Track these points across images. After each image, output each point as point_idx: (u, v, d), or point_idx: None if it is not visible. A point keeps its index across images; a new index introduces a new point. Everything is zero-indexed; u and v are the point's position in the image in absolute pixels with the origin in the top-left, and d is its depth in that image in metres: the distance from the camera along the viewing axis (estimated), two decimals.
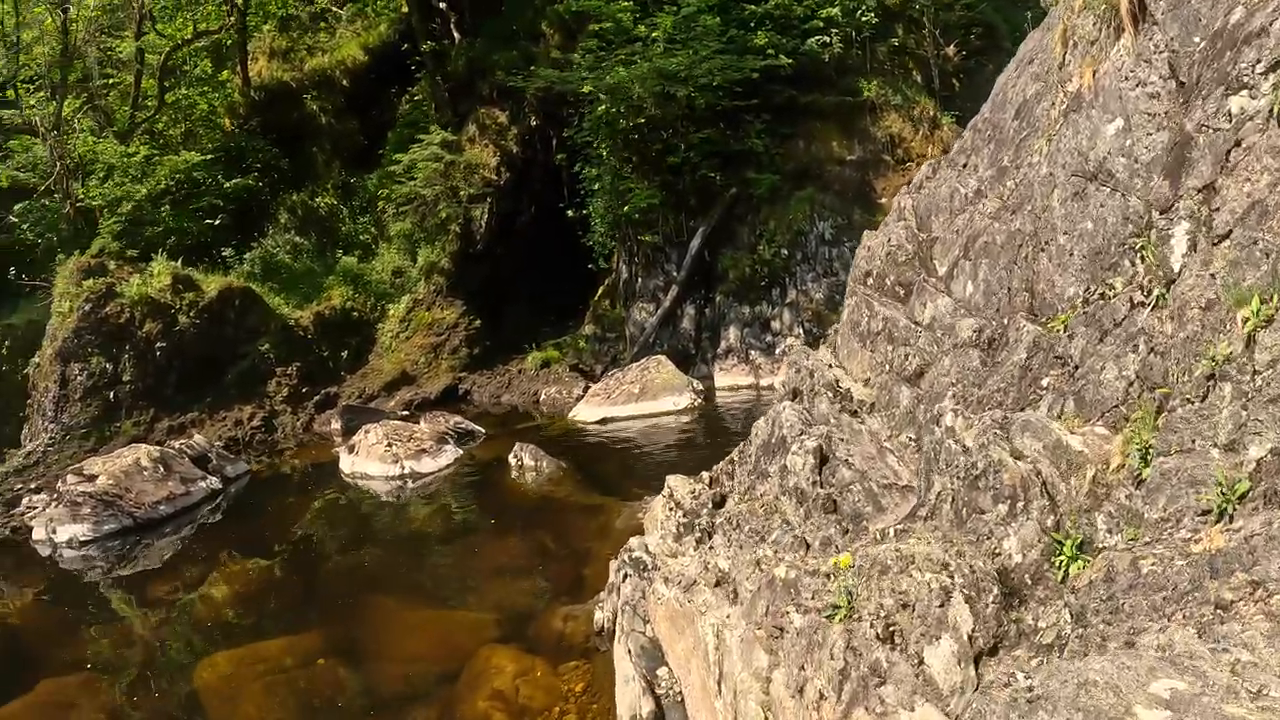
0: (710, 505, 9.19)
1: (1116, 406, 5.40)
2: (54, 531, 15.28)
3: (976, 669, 4.97)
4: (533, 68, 22.97)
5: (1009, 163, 7.87)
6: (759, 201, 22.07)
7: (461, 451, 17.37)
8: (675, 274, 22.40)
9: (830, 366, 9.28)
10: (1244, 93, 5.41)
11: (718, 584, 7.43)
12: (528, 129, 25.21)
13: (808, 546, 7.17)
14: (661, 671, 7.92)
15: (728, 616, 6.90)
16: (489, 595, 11.50)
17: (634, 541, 9.48)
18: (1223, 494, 4.39)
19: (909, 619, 5.24)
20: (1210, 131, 5.55)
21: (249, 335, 22.01)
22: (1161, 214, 5.80)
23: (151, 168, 24.45)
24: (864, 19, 22.64)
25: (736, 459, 9.38)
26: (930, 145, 22.25)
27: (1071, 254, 6.49)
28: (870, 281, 9.38)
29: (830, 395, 8.53)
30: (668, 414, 18.60)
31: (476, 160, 24.47)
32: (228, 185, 24.99)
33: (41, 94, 25.01)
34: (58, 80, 24.21)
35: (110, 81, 27.38)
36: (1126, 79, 6.38)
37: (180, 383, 20.68)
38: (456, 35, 26.16)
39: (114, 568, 14.51)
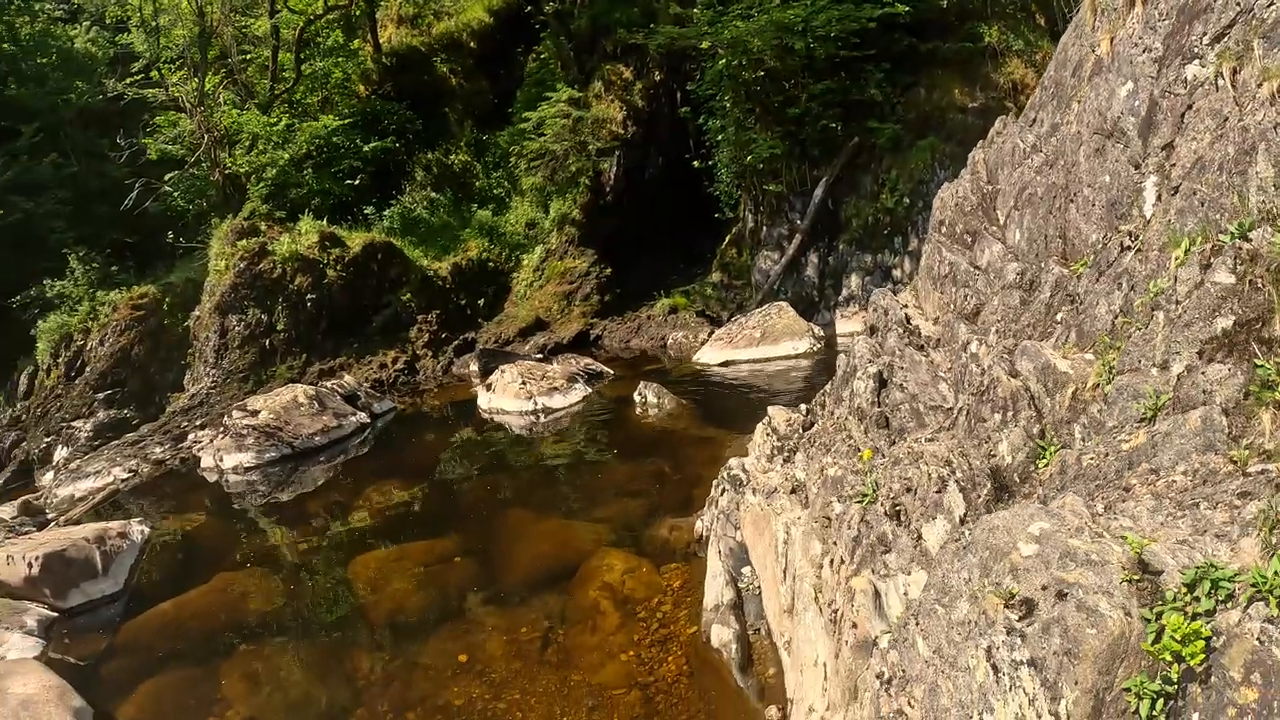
0: (801, 430, 9.83)
1: (1104, 336, 6.01)
2: (220, 459, 16.71)
3: None
4: (653, 25, 23.43)
5: (1059, 119, 8.42)
6: (881, 151, 22.10)
7: (590, 390, 18.22)
8: (799, 222, 22.67)
9: (904, 307, 9.90)
10: (1196, 62, 6.10)
11: (793, 491, 8.27)
12: (652, 83, 25.79)
13: (859, 453, 7.88)
14: (745, 569, 8.88)
15: (798, 517, 7.70)
16: (607, 509, 12.41)
17: (733, 461, 10.26)
18: (1152, 403, 5.14)
19: (912, 501, 6.14)
20: (1171, 96, 6.29)
21: (391, 286, 23.33)
22: (1136, 169, 6.52)
23: (292, 135, 25.91)
24: None
25: (829, 390, 9.95)
26: None
27: (1094, 204, 7.08)
28: (943, 230, 10.03)
29: (900, 331, 9.22)
30: (787, 358, 19.03)
31: (603, 115, 25.19)
32: (366, 148, 26.33)
33: (183, 72, 26.66)
34: (198, 59, 25.77)
35: (248, 57, 28.93)
36: (1136, 45, 6.93)
37: (329, 330, 22.13)
38: None
39: (274, 490, 15.92)
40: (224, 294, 21.54)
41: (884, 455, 7.25)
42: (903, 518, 6.12)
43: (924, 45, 22.58)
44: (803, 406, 10.73)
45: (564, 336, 22.98)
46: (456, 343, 23.04)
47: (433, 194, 27.07)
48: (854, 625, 5.66)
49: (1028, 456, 5.84)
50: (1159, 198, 6.23)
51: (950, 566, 4.76)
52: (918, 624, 4.81)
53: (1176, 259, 5.45)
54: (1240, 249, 5.03)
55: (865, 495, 6.55)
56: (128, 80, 26.89)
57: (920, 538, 5.92)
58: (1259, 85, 5.43)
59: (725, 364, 19.33)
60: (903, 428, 7.78)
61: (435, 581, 11.08)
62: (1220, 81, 5.81)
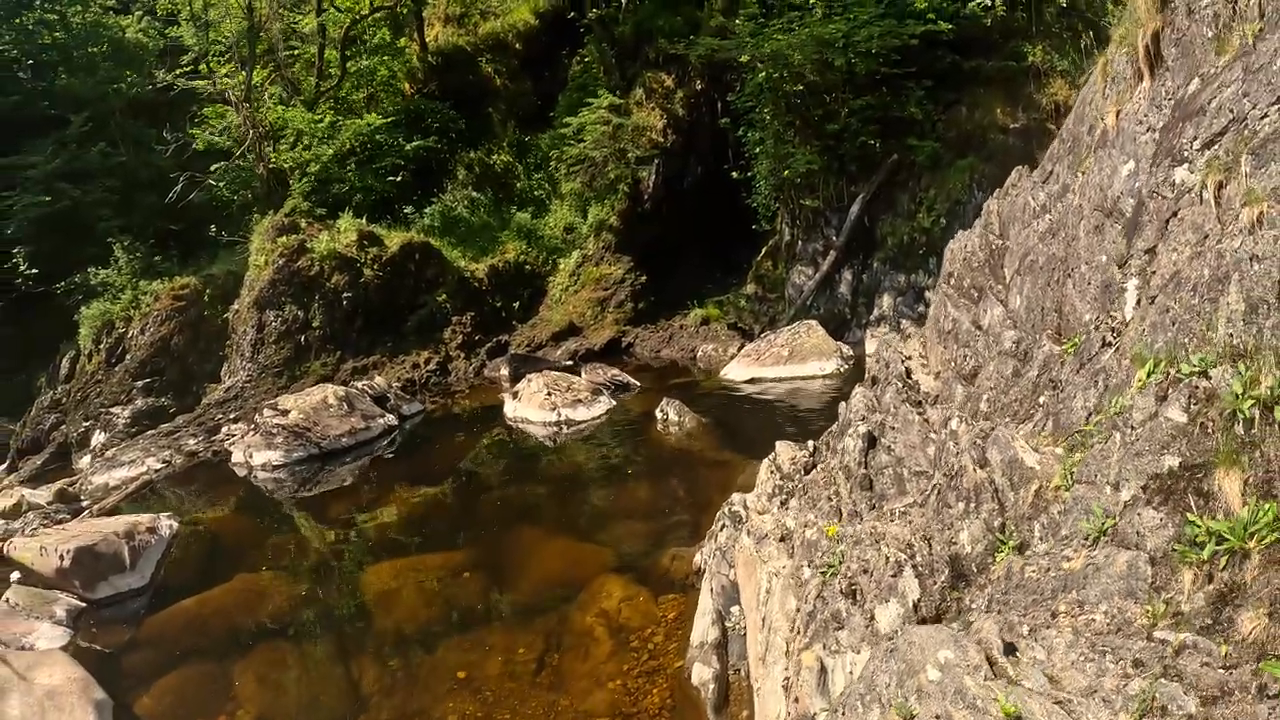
0: (803, 471, 9.89)
1: (1077, 432, 5.93)
2: (250, 456, 17.12)
3: None
4: (692, 36, 23.46)
5: (1071, 182, 8.29)
6: (920, 169, 21.98)
7: (614, 403, 18.36)
8: (835, 238, 22.63)
9: (906, 358, 9.92)
10: (1185, 166, 5.91)
11: (782, 539, 8.36)
12: (693, 93, 25.85)
13: (840, 515, 8.01)
14: (734, 609, 9.04)
15: (782, 567, 7.83)
16: (615, 533, 12.64)
17: (736, 497, 10.41)
18: (1099, 526, 5.12)
19: (868, 582, 6.26)
20: (1159, 198, 6.12)
21: (428, 286, 23.66)
22: (1120, 268, 6.41)
23: (336, 131, 26.27)
24: None
25: (835, 431, 10.01)
26: None
27: (1089, 283, 6.94)
28: (951, 282, 9.90)
29: (898, 385, 9.18)
30: (813, 378, 19.02)
31: (644, 123, 25.31)
32: (408, 146, 26.66)
33: (231, 65, 27.12)
34: (246, 54, 26.21)
35: (295, 53, 29.34)
36: (1140, 122, 6.79)
37: (364, 328, 22.50)
38: (623, 0, 26.97)
39: (300, 489, 16.32)
40: (262, 289, 21.98)
41: (861, 519, 7.38)
42: (858, 597, 6.23)
43: (967, 63, 22.35)
44: (810, 444, 10.79)
45: (596, 343, 23.16)
46: (490, 345, 23.31)
47: (474, 193, 27.38)
48: (796, 700, 5.81)
49: (986, 549, 5.88)
50: (1138, 302, 6.10)
51: (880, 664, 4.90)
52: (843, 714, 4.96)
53: (1139, 381, 5.37)
54: (1196, 387, 4.93)
55: (832, 567, 6.66)
56: (176, 72, 27.35)
57: (873, 618, 6.02)
58: (1242, 206, 5.20)
59: (751, 381, 19.37)
60: (884, 493, 7.84)
61: (444, 595, 11.42)
62: (1205, 194, 5.60)
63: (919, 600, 5.86)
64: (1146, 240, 6.12)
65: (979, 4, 22.02)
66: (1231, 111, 5.64)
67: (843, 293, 22.51)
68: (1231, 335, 4.93)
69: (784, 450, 10.77)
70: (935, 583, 5.88)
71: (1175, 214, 5.84)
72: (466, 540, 13.02)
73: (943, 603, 5.79)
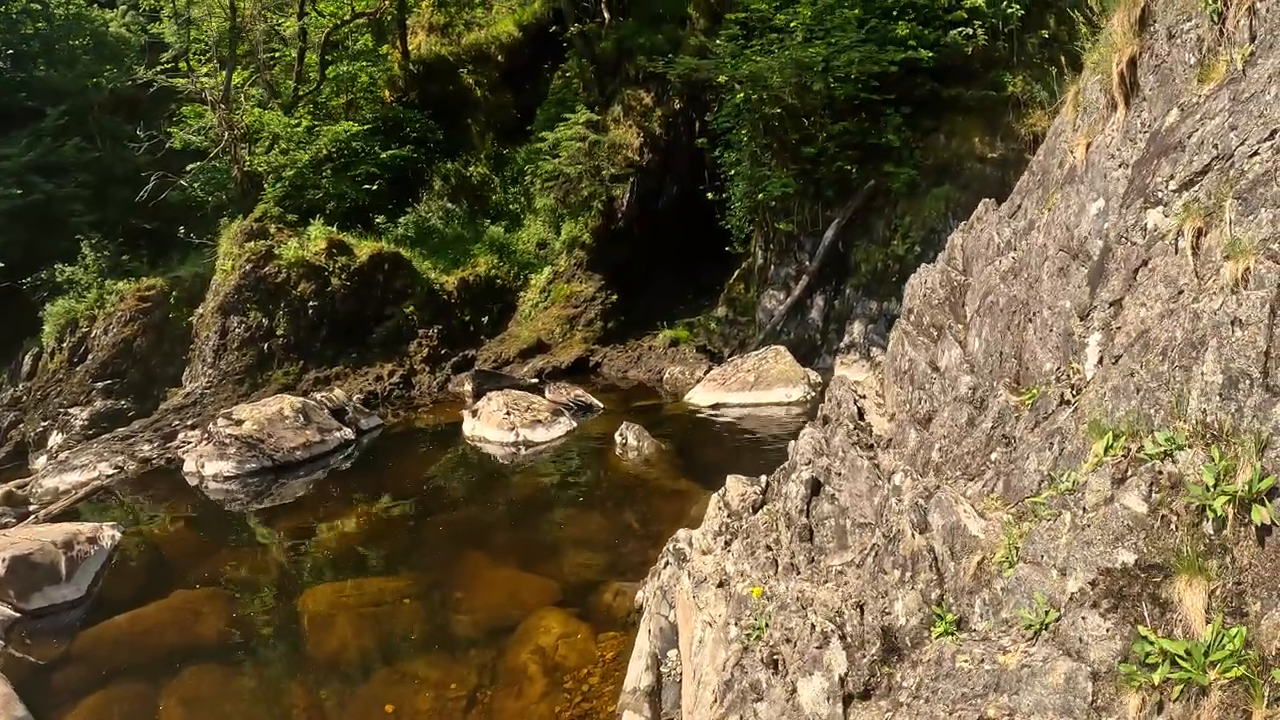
0: (751, 510, 9.59)
1: (1028, 498, 5.41)
2: (202, 466, 16.86)
3: (845, 708, 5.31)
4: (670, 55, 23.31)
5: (1037, 218, 7.83)
6: (896, 196, 21.88)
7: (575, 424, 18.14)
8: (808, 263, 22.48)
9: (861, 397, 9.57)
10: (1159, 208, 5.30)
11: (720, 584, 7.96)
12: (671, 111, 25.74)
13: (777, 566, 7.65)
14: (672, 653, 8.67)
15: (718, 616, 7.43)
16: (562, 563, 12.38)
17: (681, 533, 10.08)
18: (1041, 618, 4.64)
19: (790, 652, 5.82)
20: (1127, 244, 5.50)
21: (396, 297, 23.42)
22: (1081, 320, 5.84)
23: (314, 136, 25.99)
24: (1010, 10, 22.01)
25: (785, 470, 9.75)
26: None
27: (1051, 330, 6.43)
28: (911, 319, 9.48)
29: (849, 427, 8.75)
30: (779, 405, 18.83)
31: (620, 140, 25.17)
32: (384, 154, 26.41)
33: (212, 65, 26.88)
34: (226, 54, 25.97)
35: (276, 55, 29.12)
36: (1112, 157, 6.26)
37: (329, 338, 22.26)
38: (606, 15, 26.83)
39: (251, 501, 16.09)
40: (227, 295, 21.72)
41: (799, 572, 7.10)
42: (780, 667, 5.83)
43: (946, 91, 22.25)
44: (762, 479, 10.55)
45: (563, 361, 22.96)
46: (456, 359, 23.10)
47: (449, 205, 27.18)
48: None
49: (922, 622, 5.41)
50: (1100, 360, 5.52)
51: None
52: None
53: (1094, 456, 4.80)
54: (1160, 472, 4.35)
55: (758, 629, 6.32)
56: (157, 69, 27.09)
57: (795, 691, 5.59)
58: (1224, 259, 4.59)
59: (715, 406, 19.18)
60: (824, 546, 7.52)
61: (381, 623, 11.14)
62: (1181, 242, 4.96)
63: (846, 674, 5.44)
64: (1112, 291, 5.56)
65: (960, 33, 21.91)
66: (1215, 147, 5.04)
67: (814, 318, 22.36)
68: (1205, 412, 4.34)
69: (734, 486, 10.45)
70: (865, 656, 5.46)
71: (1146, 263, 5.27)
72: (411, 564, 12.75)
73: (872, 678, 5.37)
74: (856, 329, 21.53)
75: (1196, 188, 5.08)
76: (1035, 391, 6.36)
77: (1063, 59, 23.51)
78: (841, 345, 21.55)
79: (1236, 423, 4.22)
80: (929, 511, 5.93)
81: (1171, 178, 5.27)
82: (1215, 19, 5.56)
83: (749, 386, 19.38)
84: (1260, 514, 3.96)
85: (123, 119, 28.93)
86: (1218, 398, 4.32)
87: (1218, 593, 4.03)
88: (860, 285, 21.84)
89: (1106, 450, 4.74)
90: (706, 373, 21.11)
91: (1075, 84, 7.69)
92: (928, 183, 21.76)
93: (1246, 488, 3.98)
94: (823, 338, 22.18)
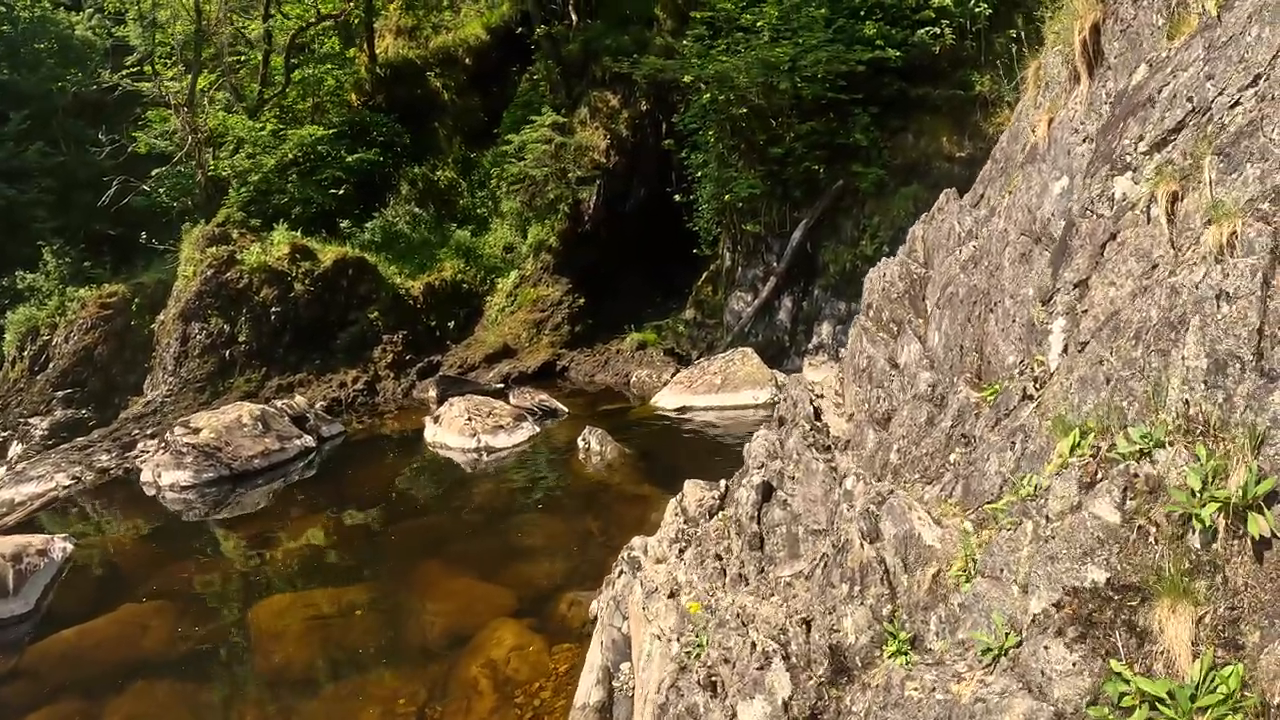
0: (708, 515, 9.34)
1: (987, 504, 4.92)
2: (159, 476, 16.58)
3: None
4: (635, 55, 23.11)
5: (999, 203, 7.37)
6: (864, 196, 21.77)
7: (538, 430, 17.94)
8: (775, 264, 22.34)
9: (818, 396, 9.14)
10: (1128, 174, 4.73)
11: (671, 595, 7.66)
12: (638, 113, 25.55)
13: (725, 577, 7.36)
14: (625, 666, 8.35)
15: (669, 628, 7.17)
16: (518, 572, 12.16)
17: (636, 541, 9.65)
18: (999, 643, 4.13)
19: (730, 673, 5.45)
20: (1093, 216, 4.94)
21: (360, 303, 23.14)
22: (1044, 305, 5.30)
23: (279, 140, 25.71)
24: (978, 9, 21.93)
25: (742, 473, 9.52)
26: None
27: (1014, 319, 5.89)
28: (870, 314, 9.00)
29: (805, 428, 8.32)
30: (746, 407, 18.68)
31: (587, 142, 24.98)
32: (350, 159, 26.13)
33: (178, 68, 26.58)
34: (191, 57, 25.66)
35: (242, 59, 28.86)
36: (1075, 131, 5.76)
37: (292, 345, 21.97)
38: (574, 17, 26.62)
39: (208, 511, 15.86)
40: (188, 301, 21.42)
41: (748, 583, 6.83)
42: (719, 690, 5.47)
43: (914, 90, 22.15)
44: (721, 483, 10.33)
45: (529, 366, 22.75)
46: (421, 365, 22.85)
47: (416, 209, 26.93)
48: None
49: (873, 640, 4.99)
50: (1065, 349, 4.97)
51: None
52: None
53: (1059, 456, 4.23)
54: (1136, 475, 3.76)
55: (699, 646, 5.96)
56: (122, 73, 26.77)
57: (735, 716, 5.22)
58: (1205, 225, 4.05)
59: (681, 409, 19.01)
60: (774, 556, 7.23)
61: (333, 635, 10.95)
62: (1153, 209, 4.41)
63: (790, 698, 5.01)
64: (1077, 270, 4.98)
65: (928, 32, 21.81)
66: (1190, 101, 4.47)
67: (782, 319, 22.23)
68: (1188, 403, 3.72)
69: (692, 491, 10.13)
70: (811, 677, 5.02)
71: (1114, 236, 4.70)
72: (366, 575, 12.58)
73: (819, 701, 4.95)
74: (825, 330, 21.41)
75: (1170, 148, 4.54)
76: (998, 386, 5.86)
77: (1030, 57, 23.50)
78: (810, 346, 21.42)
79: (1226, 414, 3.62)
80: (881, 519, 5.53)
81: (1141, 139, 4.71)
82: None
83: (715, 389, 19.22)
84: (1258, 524, 3.35)
85: (87, 123, 28.64)
86: (1202, 385, 3.71)
87: (1207, 620, 3.42)
88: (828, 286, 21.72)
89: (1073, 449, 4.18)
90: (673, 376, 20.94)
91: (1036, 59, 7.32)
92: (896, 182, 21.67)
93: (1240, 492, 3.38)
94: (791, 339, 22.06)
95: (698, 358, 22.26)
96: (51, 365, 22.03)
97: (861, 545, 5.46)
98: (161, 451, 16.96)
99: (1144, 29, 5.36)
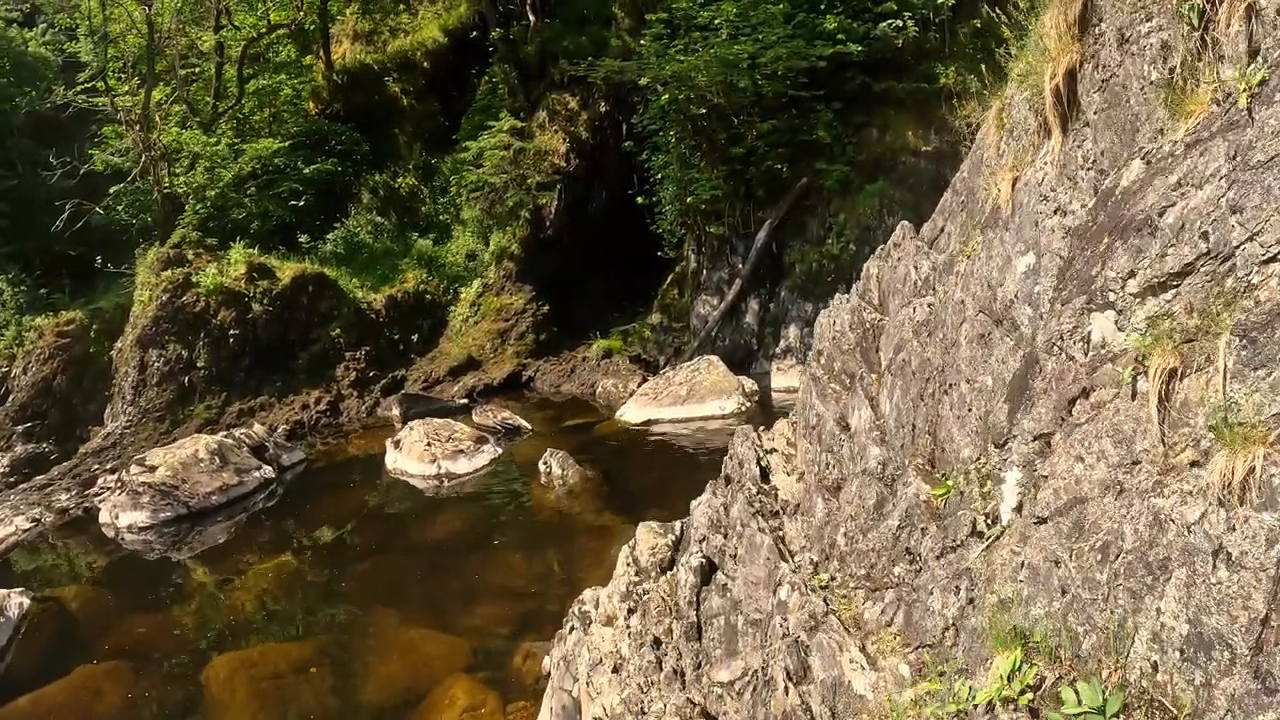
0: (659, 569, 9.04)
1: (932, 646, 4.52)
2: (117, 517, 16.27)
3: None
4: (590, 59, 22.67)
5: (957, 258, 6.72)
6: (829, 193, 21.47)
7: (500, 451, 17.62)
8: (740, 266, 22.06)
9: (765, 452, 8.60)
10: (1109, 313, 3.92)
11: (615, 670, 7.42)
12: (598, 115, 25.19)
13: (661, 669, 7.05)
14: None
15: (613, 707, 6.94)
16: (475, 618, 11.92)
17: (588, 594, 9.43)
18: None
19: None
20: (1060, 357, 4.20)
21: (321, 319, 22.76)
22: (998, 446, 4.70)
23: (235, 155, 25.22)
24: (941, 0, 21.60)
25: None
26: None
27: (970, 409, 5.31)
28: (821, 361, 8.29)
29: (751, 491, 7.83)
30: (712, 418, 18.46)
31: (546, 146, 24.61)
32: (307, 170, 25.67)
33: (133, 82, 26.07)
34: (145, 71, 25.16)
35: (196, 72, 28.29)
36: (1044, 199, 5.00)
37: (252, 367, 21.59)
38: (531, 18, 26.14)
39: (168, 551, 15.56)
40: (145, 327, 20.99)
41: (684, 682, 6.57)
42: None
43: (877, 85, 21.83)
44: (677, 525, 9.95)
45: (495, 378, 22.46)
46: (385, 381, 22.48)
47: (377, 218, 26.52)
48: None
49: None
50: (1019, 507, 4.33)
51: None
52: None
53: (996, 679, 3.64)
54: None
55: None
56: (76, 89, 26.25)
57: None
58: (1212, 435, 3.15)
59: (647, 423, 18.76)
60: (710, 652, 6.86)
61: (286, 696, 10.74)
62: (1141, 382, 3.55)
63: None
64: (1038, 420, 4.30)
65: (890, 25, 21.45)
66: (1206, 239, 3.44)
67: (749, 323, 21.97)
68: (1155, 668, 3.07)
69: (644, 538, 9.71)
70: None
71: (1086, 394, 3.97)
72: (320, 626, 12.32)
73: None
74: (792, 333, 21.16)
75: (1171, 295, 3.57)
76: (950, 485, 5.34)
77: (995, 47, 23.11)
78: (778, 350, 21.21)
79: (1201, 704, 2.96)
80: (811, 652, 5.14)
81: (1132, 275, 3.77)
82: (1193, 21, 3.91)
83: (681, 400, 18.99)
84: None
85: (42, 143, 28.08)
86: (1178, 654, 3.04)
87: None
88: (795, 287, 21.48)
89: (1012, 673, 3.60)
90: (640, 385, 20.68)
91: (998, 97, 6.58)
92: (861, 179, 21.39)
93: None
94: (759, 342, 21.82)
95: (665, 363, 22.04)
96: (11, 399, 21.62)
97: (786, 690, 5.14)
98: (118, 492, 16.66)
99: (1132, 82, 4.42)
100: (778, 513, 7.85)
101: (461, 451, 17.01)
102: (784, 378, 20.68)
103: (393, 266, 24.96)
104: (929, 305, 6.69)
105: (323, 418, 21.25)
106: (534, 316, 23.78)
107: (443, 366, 22.94)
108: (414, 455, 17.09)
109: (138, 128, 24.35)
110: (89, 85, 26.67)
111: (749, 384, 19.65)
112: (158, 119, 25.34)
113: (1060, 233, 4.76)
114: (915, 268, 7.34)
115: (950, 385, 5.73)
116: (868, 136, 22.06)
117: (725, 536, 7.73)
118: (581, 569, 12.72)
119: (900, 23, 21.52)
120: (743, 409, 18.80)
